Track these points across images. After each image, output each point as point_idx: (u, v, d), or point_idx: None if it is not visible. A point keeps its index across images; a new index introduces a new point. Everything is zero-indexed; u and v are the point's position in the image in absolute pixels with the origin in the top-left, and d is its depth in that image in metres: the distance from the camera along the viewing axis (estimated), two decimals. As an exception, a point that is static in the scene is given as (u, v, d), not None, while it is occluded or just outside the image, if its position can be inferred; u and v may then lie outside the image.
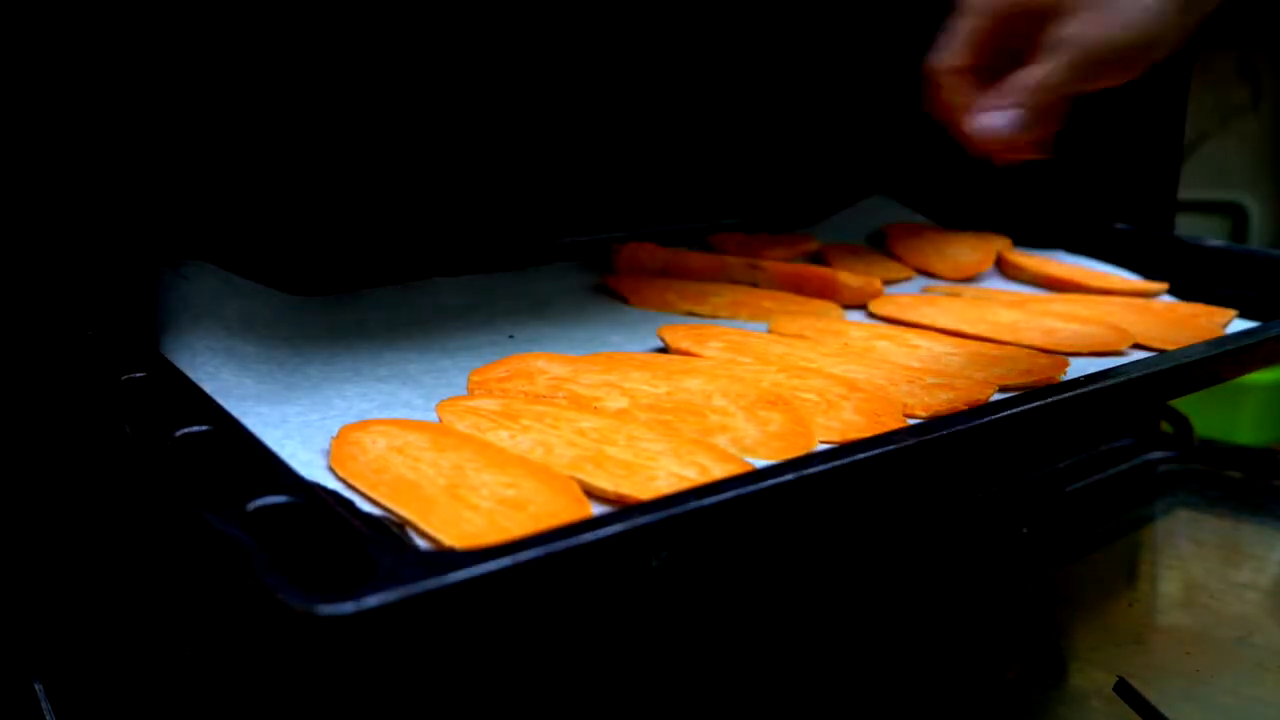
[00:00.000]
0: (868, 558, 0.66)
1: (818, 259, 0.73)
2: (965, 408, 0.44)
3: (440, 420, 0.42)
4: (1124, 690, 0.53)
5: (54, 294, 0.49)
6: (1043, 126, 0.47)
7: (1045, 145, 0.50)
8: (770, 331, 0.57)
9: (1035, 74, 0.46)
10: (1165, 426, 0.85)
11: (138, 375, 0.40)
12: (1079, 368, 0.50)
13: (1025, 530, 0.72)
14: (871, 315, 0.62)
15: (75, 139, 0.52)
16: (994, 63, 0.47)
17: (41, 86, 0.50)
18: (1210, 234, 1.09)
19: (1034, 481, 0.76)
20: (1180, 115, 0.80)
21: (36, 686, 0.46)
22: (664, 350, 0.54)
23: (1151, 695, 0.53)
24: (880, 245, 0.78)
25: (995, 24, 0.47)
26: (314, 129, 0.61)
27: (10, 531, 0.48)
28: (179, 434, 0.35)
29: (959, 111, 0.48)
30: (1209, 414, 0.86)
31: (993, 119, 0.47)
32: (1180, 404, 0.84)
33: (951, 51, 0.48)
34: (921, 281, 0.71)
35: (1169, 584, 0.69)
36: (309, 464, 0.38)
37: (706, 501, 0.31)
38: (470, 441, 0.39)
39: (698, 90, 0.76)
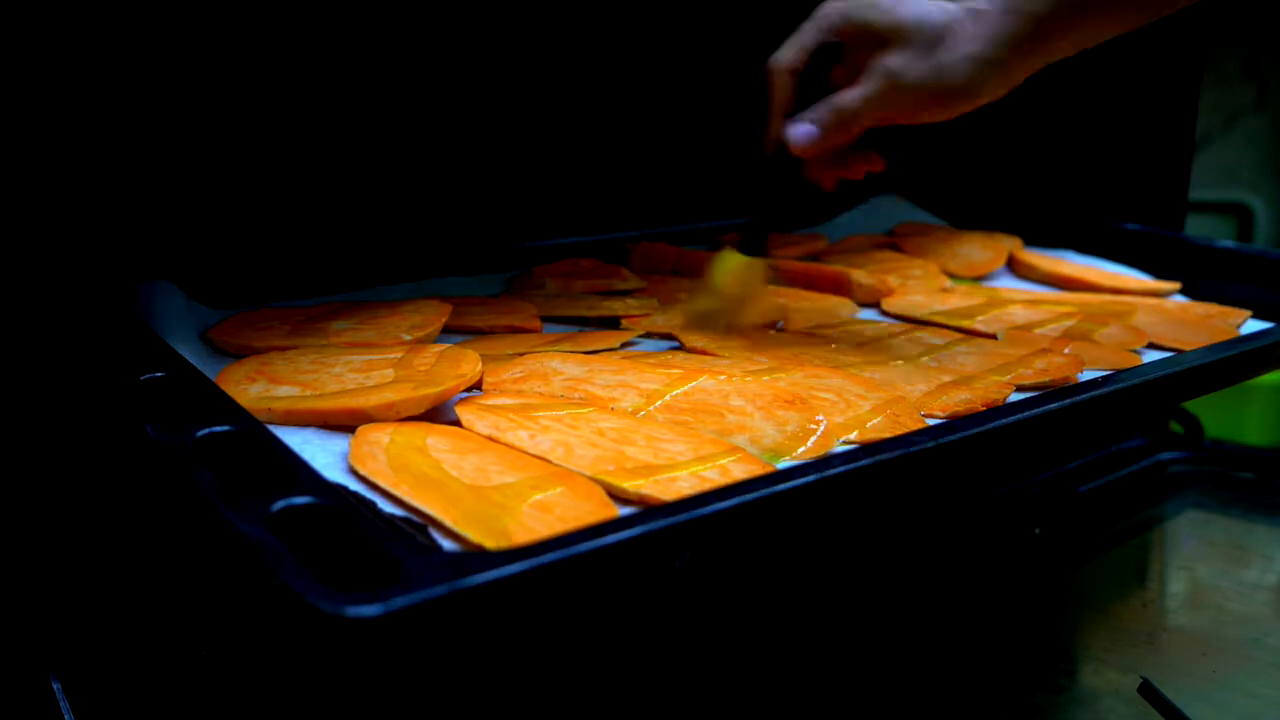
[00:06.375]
0: (882, 558, 0.66)
1: (828, 258, 0.73)
2: (984, 408, 0.44)
3: (460, 419, 0.42)
4: (1148, 692, 0.53)
5: (75, 296, 0.49)
6: (832, 142, 0.50)
7: (829, 176, 0.53)
8: (784, 330, 0.57)
9: (845, 96, 0.49)
10: (1175, 427, 0.85)
11: (158, 375, 0.40)
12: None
13: (1037, 531, 0.72)
14: (884, 313, 0.62)
15: (99, 144, 0.52)
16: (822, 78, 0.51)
17: (65, 93, 0.50)
18: (1215, 234, 1.09)
19: (1046, 482, 0.76)
20: (1191, 116, 0.79)
21: (54, 684, 0.46)
22: (679, 349, 0.53)
23: (1167, 695, 0.53)
24: (890, 245, 0.78)
25: (835, 36, 0.49)
26: (326, 130, 0.61)
27: (31, 530, 0.48)
28: (200, 434, 0.35)
29: (775, 115, 0.51)
30: (1215, 413, 0.86)
31: (795, 128, 0.50)
32: (1187, 404, 0.84)
33: (788, 52, 0.50)
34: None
35: (1180, 584, 0.69)
36: (328, 466, 0.38)
37: (737, 501, 0.31)
38: (490, 445, 0.39)
39: (709, 92, 0.76)
